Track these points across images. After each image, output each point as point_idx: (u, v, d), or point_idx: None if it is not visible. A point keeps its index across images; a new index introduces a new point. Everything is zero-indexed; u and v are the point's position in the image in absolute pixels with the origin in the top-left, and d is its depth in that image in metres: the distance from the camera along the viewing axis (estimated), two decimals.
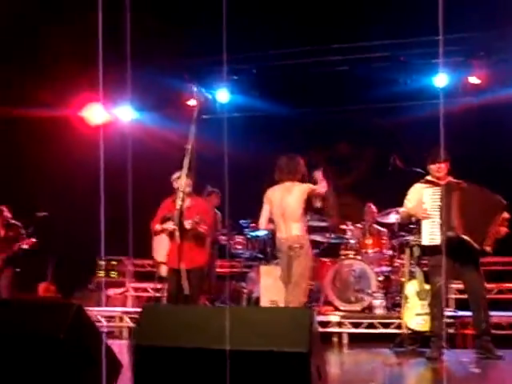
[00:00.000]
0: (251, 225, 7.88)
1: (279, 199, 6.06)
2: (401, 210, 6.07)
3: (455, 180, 5.76)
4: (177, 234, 5.37)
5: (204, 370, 2.91)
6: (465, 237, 5.39)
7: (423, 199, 5.63)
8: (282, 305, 6.29)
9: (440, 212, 5.50)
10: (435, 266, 5.52)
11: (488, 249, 5.50)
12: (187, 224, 5.56)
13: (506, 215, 5.59)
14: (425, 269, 6.14)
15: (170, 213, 5.56)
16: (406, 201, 5.86)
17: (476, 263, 5.61)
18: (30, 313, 2.98)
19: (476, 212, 5.52)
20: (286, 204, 6.00)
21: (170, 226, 5.61)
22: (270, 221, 6.22)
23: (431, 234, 5.54)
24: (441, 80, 8.59)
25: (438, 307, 5.57)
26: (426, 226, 5.59)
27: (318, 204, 6.73)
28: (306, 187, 6.10)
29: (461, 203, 5.50)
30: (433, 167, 5.74)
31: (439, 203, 5.51)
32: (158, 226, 5.90)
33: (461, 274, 5.65)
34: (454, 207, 5.49)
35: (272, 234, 6.76)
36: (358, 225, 7.98)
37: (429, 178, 5.82)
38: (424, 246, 5.69)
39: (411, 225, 6.39)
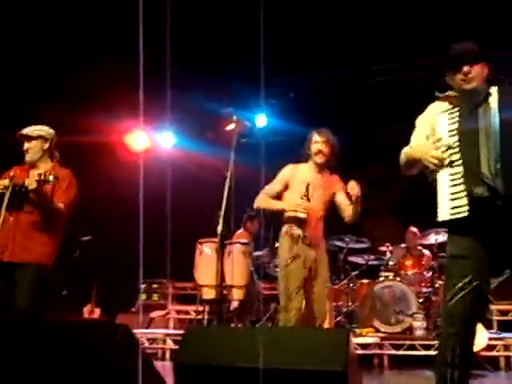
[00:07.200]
0: None
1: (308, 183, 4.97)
2: (403, 151, 3.18)
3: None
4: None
5: None
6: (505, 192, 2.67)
7: (437, 129, 2.95)
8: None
9: (464, 151, 2.81)
10: (456, 256, 2.84)
11: None
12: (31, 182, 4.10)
13: None
14: None
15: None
16: (412, 137, 3.16)
17: None
18: (80, 332, 3.06)
19: None
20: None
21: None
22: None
23: (453, 196, 2.77)
24: None
25: (450, 337, 2.78)
26: (442, 181, 2.85)
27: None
28: (342, 185, 5.05)
29: (502, 127, 2.72)
30: (457, 77, 3.04)
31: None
32: None
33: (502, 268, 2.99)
34: (483, 136, 2.75)
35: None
36: (401, 245, 8.01)
37: (451, 92, 3.05)
38: (442, 222, 2.81)
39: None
